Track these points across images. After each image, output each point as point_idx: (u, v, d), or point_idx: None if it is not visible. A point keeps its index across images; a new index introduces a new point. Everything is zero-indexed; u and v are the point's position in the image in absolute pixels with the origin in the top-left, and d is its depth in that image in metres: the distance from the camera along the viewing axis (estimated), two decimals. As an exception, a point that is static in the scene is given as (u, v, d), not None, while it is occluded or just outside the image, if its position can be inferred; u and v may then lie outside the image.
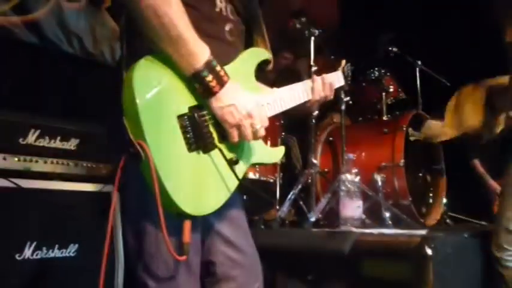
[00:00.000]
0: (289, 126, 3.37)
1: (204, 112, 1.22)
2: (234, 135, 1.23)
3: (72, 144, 2.67)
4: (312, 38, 3.01)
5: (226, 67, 1.26)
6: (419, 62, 4.03)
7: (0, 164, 2.32)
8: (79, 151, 2.68)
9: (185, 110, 1.18)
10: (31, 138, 2.50)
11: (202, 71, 1.15)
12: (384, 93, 3.63)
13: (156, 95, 1.13)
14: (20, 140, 2.46)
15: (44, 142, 2.56)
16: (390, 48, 3.97)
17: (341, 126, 3.04)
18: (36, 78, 3.07)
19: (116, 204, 1.22)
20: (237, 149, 1.30)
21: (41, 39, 3.20)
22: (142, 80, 1.10)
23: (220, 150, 1.21)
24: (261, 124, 1.26)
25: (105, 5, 3.65)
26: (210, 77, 1.16)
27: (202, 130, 1.19)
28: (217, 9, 1.35)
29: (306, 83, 1.61)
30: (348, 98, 3.01)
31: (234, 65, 1.33)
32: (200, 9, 1.30)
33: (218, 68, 1.18)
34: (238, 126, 1.22)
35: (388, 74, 3.77)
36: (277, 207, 2.85)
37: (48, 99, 3.07)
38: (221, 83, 1.18)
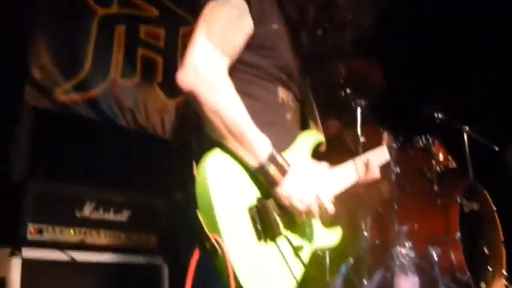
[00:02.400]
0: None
1: (271, 201, 1.24)
2: (303, 218, 1.27)
3: (124, 215, 2.75)
4: (359, 109, 3.04)
5: (285, 153, 1.31)
6: (466, 128, 3.94)
7: (57, 237, 2.42)
8: (130, 222, 2.76)
9: (253, 201, 1.21)
10: (87, 210, 2.60)
11: (265, 164, 1.20)
12: (433, 161, 3.56)
13: (228, 189, 1.17)
14: (77, 213, 2.56)
15: (98, 214, 2.65)
16: (436, 114, 3.93)
17: (392, 198, 2.97)
18: (91, 151, 3.21)
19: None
20: (301, 234, 1.32)
21: (98, 114, 3.40)
22: (214, 175, 1.14)
23: (287, 238, 1.23)
24: (329, 201, 1.29)
25: (157, 80, 3.86)
26: (273, 169, 1.20)
27: (270, 220, 1.21)
28: (279, 100, 1.42)
29: (355, 162, 1.67)
30: (398, 169, 2.96)
31: (293, 149, 1.38)
32: (264, 100, 1.37)
33: (280, 158, 1.23)
34: (308, 211, 1.25)
35: (436, 141, 3.70)
36: (328, 280, 2.76)
37: (102, 171, 3.19)
38: (284, 172, 1.22)
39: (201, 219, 1.12)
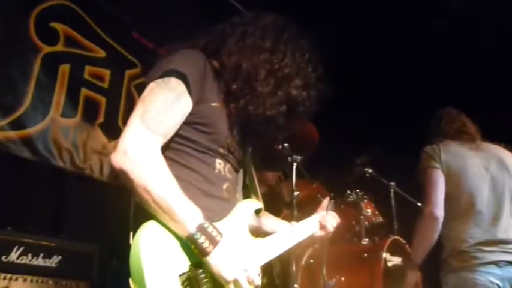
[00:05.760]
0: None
1: (203, 269, 1.30)
2: None
3: (53, 261, 2.69)
4: (294, 164, 3.19)
5: (221, 222, 1.40)
6: (393, 184, 4.20)
7: (-20, 283, 2.31)
8: (60, 268, 2.70)
9: (186, 269, 1.27)
10: (14, 255, 2.53)
11: (194, 234, 1.26)
12: (361, 217, 3.76)
13: (161, 259, 1.23)
14: (3, 258, 2.48)
15: (26, 259, 2.58)
16: (366, 169, 4.17)
17: (322, 250, 3.10)
18: (23, 193, 3.11)
19: None
20: None
21: (33, 154, 3.31)
22: (148, 246, 1.22)
23: None
24: (256, 273, 1.37)
25: (98, 121, 3.84)
26: (202, 239, 1.27)
27: (201, 287, 1.27)
28: (216, 171, 1.51)
29: (289, 229, 1.78)
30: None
31: (230, 218, 1.47)
32: (200, 172, 1.46)
33: (210, 229, 1.30)
34: (235, 281, 1.31)
35: (366, 196, 3.92)
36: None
37: (34, 213, 3.10)
38: (214, 243, 1.29)
39: (132, 284, 1.18)
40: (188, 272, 1.27)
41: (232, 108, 1.54)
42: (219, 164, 1.52)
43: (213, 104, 1.50)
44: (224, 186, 1.53)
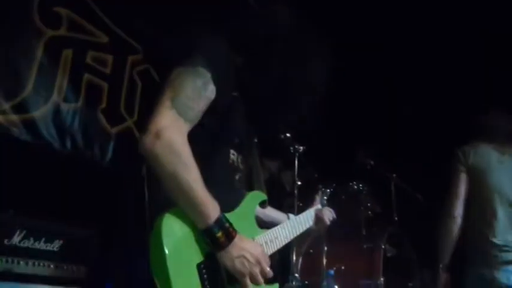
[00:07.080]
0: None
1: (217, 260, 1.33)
2: (247, 284, 1.34)
3: (55, 245, 2.70)
4: (296, 155, 3.19)
5: (232, 213, 1.42)
6: (394, 176, 4.21)
7: (-18, 265, 2.32)
8: (61, 253, 2.71)
9: (202, 258, 1.29)
10: (16, 239, 2.53)
11: (213, 228, 1.29)
12: (362, 208, 3.78)
13: (180, 246, 1.25)
14: (5, 241, 2.48)
15: (29, 243, 2.58)
16: (367, 161, 4.18)
17: (322, 240, 3.12)
18: (25, 177, 3.11)
19: None
20: None
21: (35, 138, 3.31)
22: (168, 233, 1.24)
23: None
24: (268, 266, 1.39)
25: (100, 106, 3.82)
26: (220, 233, 1.29)
27: (216, 276, 1.30)
28: (230, 161, 1.52)
29: (289, 222, 1.80)
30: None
31: (239, 209, 1.49)
32: (216, 161, 1.47)
33: (227, 224, 1.32)
34: (250, 274, 1.33)
35: (366, 188, 3.93)
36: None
37: (36, 197, 3.09)
38: (230, 237, 1.31)
39: (153, 272, 1.20)
40: (206, 261, 1.29)
41: (259, 116, 1.57)
42: (233, 154, 1.53)
43: (233, 94, 1.51)
44: (237, 177, 1.55)
